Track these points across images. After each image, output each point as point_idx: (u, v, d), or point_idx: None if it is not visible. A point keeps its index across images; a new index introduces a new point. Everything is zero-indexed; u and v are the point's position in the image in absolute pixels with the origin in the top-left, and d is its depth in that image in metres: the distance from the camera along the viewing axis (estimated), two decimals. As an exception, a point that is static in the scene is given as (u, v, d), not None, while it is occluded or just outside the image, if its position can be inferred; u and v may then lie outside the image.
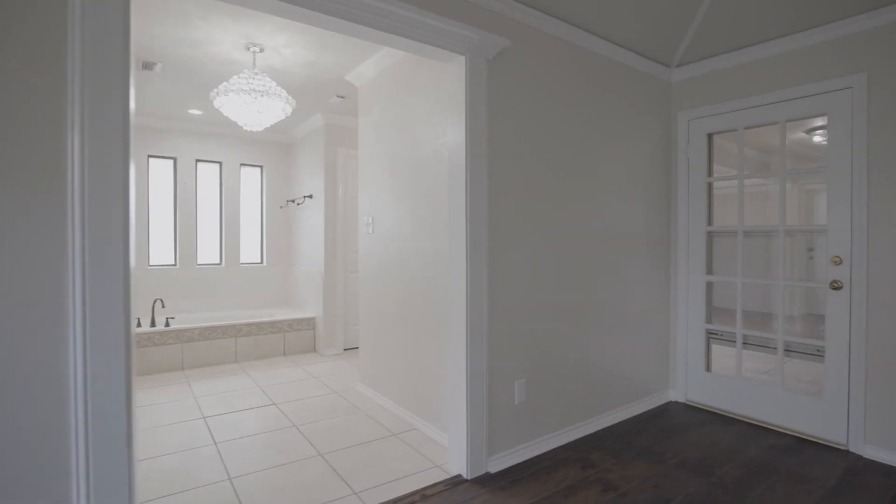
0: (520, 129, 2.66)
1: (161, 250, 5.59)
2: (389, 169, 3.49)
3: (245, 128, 3.32)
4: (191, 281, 5.65)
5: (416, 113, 3.17)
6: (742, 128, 3.25)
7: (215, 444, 2.92)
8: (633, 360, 3.32)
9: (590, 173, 3.03)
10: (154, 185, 5.53)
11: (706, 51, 3.35)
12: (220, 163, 5.88)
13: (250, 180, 6.14)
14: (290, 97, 3.27)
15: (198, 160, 5.74)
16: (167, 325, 4.68)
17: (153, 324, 4.74)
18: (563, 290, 2.89)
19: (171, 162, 5.61)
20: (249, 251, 6.14)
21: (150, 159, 5.49)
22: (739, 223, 3.26)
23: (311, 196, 5.47)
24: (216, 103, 3.17)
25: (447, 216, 2.86)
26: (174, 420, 3.30)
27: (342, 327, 5.27)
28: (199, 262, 5.77)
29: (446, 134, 2.85)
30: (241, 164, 6.02)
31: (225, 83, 3.11)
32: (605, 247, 3.13)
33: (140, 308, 5.30)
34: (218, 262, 5.92)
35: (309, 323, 5.34)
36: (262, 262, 6.19)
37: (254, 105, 3.15)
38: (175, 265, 5.62)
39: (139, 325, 4.67)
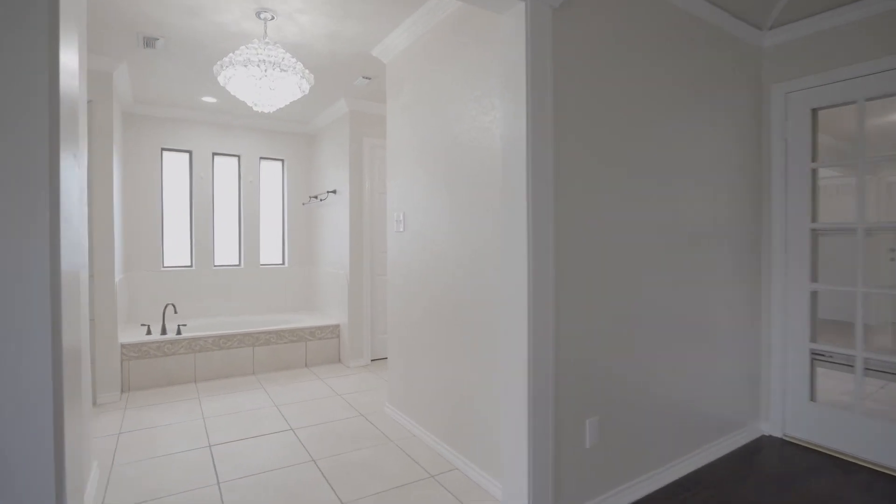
0: (584, 100, 2.09)
1: (176, 251, 5.20)
2: (422, 156, 2.96)
3: (255, 108, 2.84)
4: (207, 283, 5.25)
5: (454, 87, 2.63)
6: (863, 99, 2.60)
7: (218, 483, 2.44)
8: (718, 387, 2.71)
9: (665, 159, 2.43)
10: (168, 180, 5.15)
11: (811, 6, 2.70)
12: (238, 156, 5.46)
13: (270, 175, 5.71)
14: (306, 71, 2.77)
15: (215, 153, 5.33)
16: (179, 332, 4.27)
17: (164, 331, 4.34)
18: (637, 303, 2.31)
19: (187, 156, 5.21)
20: (270, 251, 5.71)
21: (164, 153, 5.10)
22: (859, 218, 2.62)
23: (334, 191, 5.00)
24: (221, 78, 2.69)
25: (494, 210, 2.31)
26: (175, 449, 2.85)
27: (369, 336, 4.77)
28: (216, 264, 5.37)
29: (495, 108, 2.30)
30: (261, 158, 5.59)
31: (231, 54, 2.64)
32: (684, 249, 2.53)
33: (151, 313, 4.92)
34: (236, 262, 5.50)
35: (333, 331, 4.86)
36: (283, 264, 5.76)
37: (264, 80, 2.66)
38: (191, 266, 5.22)
39: (149, 332, 4.27)
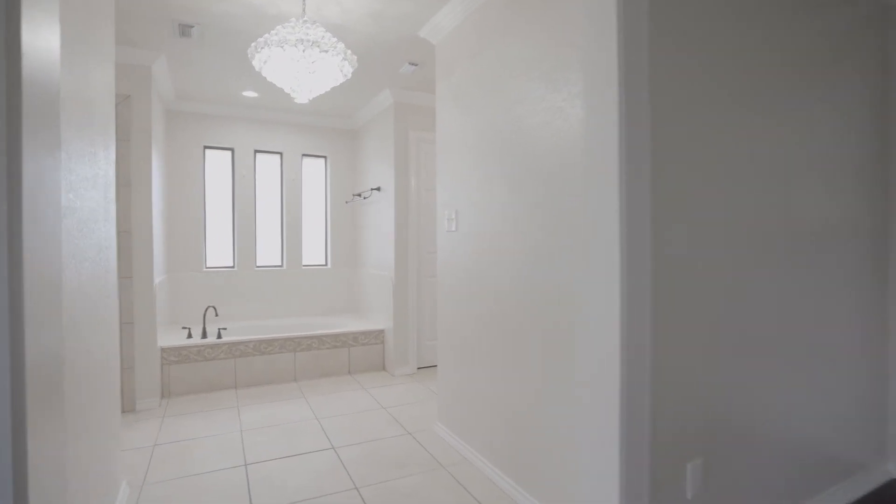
0: (684, 68, 1.69)
1: (219, 251, 5.07)
2: (477, 146, 2.62)
3: (293, 96, 2.58)
4: (249, 285, 5.09)
5: (515, 63, 2.27)
6: None
7: (252, 513, 2.19)
8: (836, 419, 2.23)
9: (772, 140, 1.97)
10: (210, 179, 5.02)
11: (963, -50, 2.18)
12: (280, 153, 5.28)
13: (313, 172, 5.51)
14: (348, 52, 2.48)
15: (257, 151, 5.17)
16: (219, 336, 4.10)
17: (204, 335, 4.19)
18: (743, 318, 1.87)
19: (229, 153, 5.07)
20: (312, 252, 5.52)
21: (207, 151, 4.97)
22: None
23: (378, 188, 4.73)
24: (256, 62, 2.44)
25: (567, 203, 1.94)
26: (210, 466, 2.63)
27: (415, 342, 4.47)
28: (258, 265, 5.21)
29: (570, 83, 1.93)
30: (303, 155, 5.39)
31: (266, 35, 2.37)
32: (797, 253, 2.06)
33: (193, 315, 4.80)
34: (279, 263, 5.33)
35: (377, 336, 4.59)
36: (325, 265, 5.55)
37: (303, 63, 2.39)
38: (233, 267, 5.08)
39: (190, 335, 4.13)
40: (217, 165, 5.04)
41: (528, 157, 2.19)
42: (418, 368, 4.53)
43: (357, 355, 4.50)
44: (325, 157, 5.51)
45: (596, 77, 1.57)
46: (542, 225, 2.10)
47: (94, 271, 1.91)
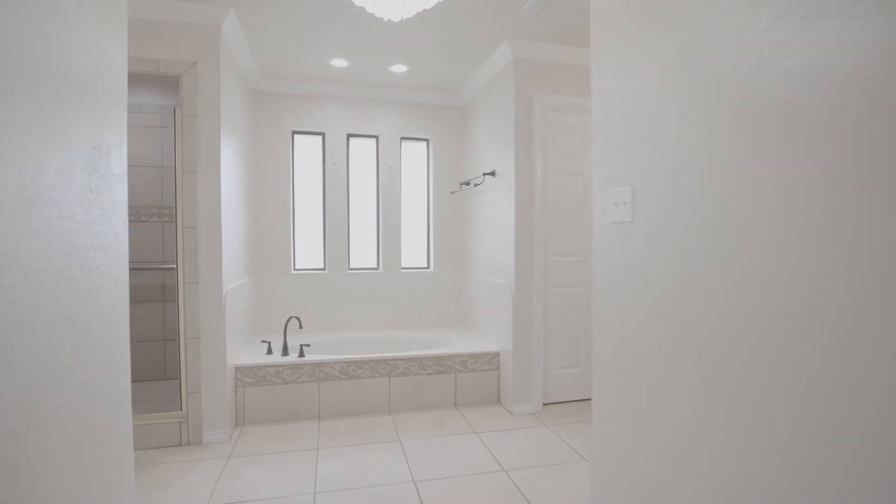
0: None
1: (308, 251, 4.43)
2: (682, 84, 1.53)
3: (377, 15, 1.68)
4: (341, 290, 4.39)
5: None
6: None
7: None
8: None
9: None
10: (299, 168, 4.39)
11: None
12: (376, 137, 4.52)
13: (413, 159, 4.69)
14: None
15: (350, 135, 4.45)
16: (301, 353, 3.40)
17: (285, 351, 3.51)
18: None
19: (319, 139, 4.41)
20: (412, 252, 4.70)
21: (295, 136, 4.35)
22: None
23: (492, 173, 3.76)
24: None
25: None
26: (262, 563, 1.83)
27: (540, 371, 3.44)
28: (351, 267, 4.50)
29: None
30: (402, 139, 4.59)
31: None
32: None
33: (278, 324, 4.18)
34: (374, 266, 4.58)
35: (491, 361, 3.63)
36: (428, 267, 4.70)
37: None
38: (324, 269, 4.42)
39: (269, 351, 3.48)
40: (306, 153, 4.40)
41: (795, 92, 1.08)
42: (544, 405, 3.49)
43: (465, 383, 3.58)
44: (426, 139, 4.66)
45: None
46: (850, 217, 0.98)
47: (41, 291, 1.14)
